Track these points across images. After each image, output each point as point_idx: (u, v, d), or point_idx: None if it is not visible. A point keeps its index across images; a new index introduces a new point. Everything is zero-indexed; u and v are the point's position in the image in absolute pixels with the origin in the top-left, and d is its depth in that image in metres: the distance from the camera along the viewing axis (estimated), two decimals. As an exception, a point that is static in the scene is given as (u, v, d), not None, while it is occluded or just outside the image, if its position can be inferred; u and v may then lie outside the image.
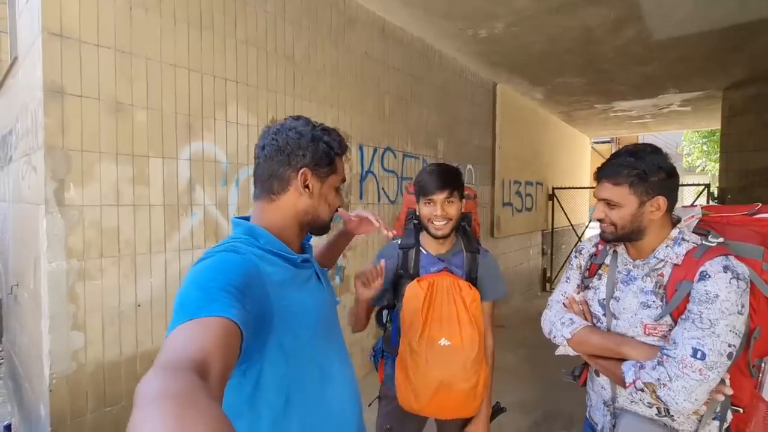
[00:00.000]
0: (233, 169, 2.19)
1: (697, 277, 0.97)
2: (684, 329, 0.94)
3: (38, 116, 1.61)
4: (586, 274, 1.23)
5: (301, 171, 0.84)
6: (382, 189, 3.23)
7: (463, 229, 1.41)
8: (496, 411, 1.43)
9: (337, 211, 0.94)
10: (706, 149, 12.41)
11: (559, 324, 1.16)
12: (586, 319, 1.16)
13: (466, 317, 1.24)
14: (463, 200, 1.34)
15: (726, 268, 0.94)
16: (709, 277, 0.95)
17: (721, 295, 0.92)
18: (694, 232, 1.08)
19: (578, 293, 1.22)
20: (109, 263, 1.73)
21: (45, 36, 1.55)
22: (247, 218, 0.88)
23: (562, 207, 6.93)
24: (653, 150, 1.05)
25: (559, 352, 1.18)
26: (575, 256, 1.28)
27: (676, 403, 0.91)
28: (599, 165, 1.13)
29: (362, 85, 3.03)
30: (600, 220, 1.10)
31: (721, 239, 1.03)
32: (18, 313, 2.35)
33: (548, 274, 6.83)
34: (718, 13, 3.15)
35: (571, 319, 1.15)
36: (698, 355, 0.90)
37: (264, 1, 2.32)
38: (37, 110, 1.61)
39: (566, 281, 1.26)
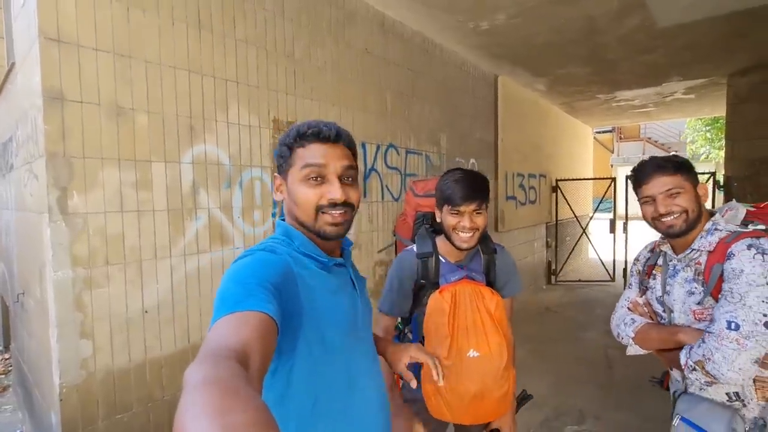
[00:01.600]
0: (236, 171, 2.17)
1: (725, 258, 1.05)
2: (720, 306, 1.03)
3: (38, 123, 1.59)
4: (645, 277, 1.31)
5: (275, 177, 0.86)
6: (386, 186, 3.20)
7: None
8: (523, 399, 1.42)
9: (331, 208, 0.79)
10: (709, 137, 12.31)
11: (623, 325, 1.25)
12: (652, 319, 1.24)
13: (491, 324, 1.21)
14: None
15: (750, 246, 1.02)
16: (734, 255, 1.03)
17: (746, 269, 1.00)
18: (740, 224, 1.14)
19: (640, 296, 1.30)
20: (115, 270, 1.72)
21: (42, 41, 1.52)
22: None
23: (566, 199, 6.89)
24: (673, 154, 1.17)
25: (629, 352, 1.25)
26: (634, 264, 1.38)
27: (721, 374, 0.97)
28: (634, 171, 1.19)
29: (363, 82, 2.99)
30: (666, 215, 1.12)
31: (761, 226, 1.10)
32: (25, 321, 2.34)
33: (553, 267, 6.81)
34: (724, -1, 3.09)
35: (632, 318, 1.24)
36: (732, 327, 0.97)
37: (262, -1, 2.29)
38: (37, 117, 1.59)
39: (629, 287, 1.36)
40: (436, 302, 1.23)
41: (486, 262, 1.32)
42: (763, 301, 0.97)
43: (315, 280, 0.79)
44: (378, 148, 3.12)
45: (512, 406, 1.35)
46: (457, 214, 1.21)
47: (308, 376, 0.76)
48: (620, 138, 20.34)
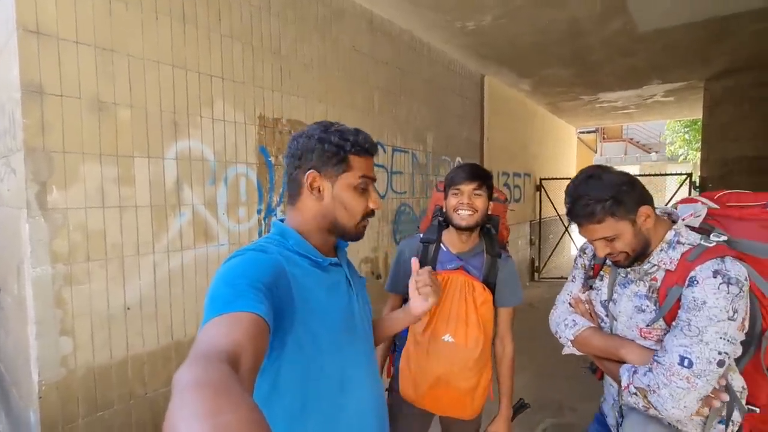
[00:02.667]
0: (221, 168, 2.16)
1: (686, 282, 0.94)
2: (673, 336, 0.93)
3: (16, 117, 1.55)
4: (590, 273, 1.22)
5: (308, 173, 0.83)
6: (372, 184, 3.22)
7: (488, 231, 1.40)
8: (520, 407, 1.42)
9: (370, 216, 0.88)
10: (688, 138, 12.67)
11: (563, 326, 1.16)
12: (591, 319, 1.16)
13: (475, 318, 1.24)
14: (491, 202, 1.34)
15: (716, 273, 0.90)
16: (697, 283, 0.91)
17: (709, 302, 0.89)
18: (698, 228, 1.03)
19: (583, 293, 1.21)
20: (96, 266, 1.69)
21: (20, 33, 1.49)
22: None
23: (549, 197, 7.02)
24: (599, 172, 1.00)
25: (565, 351, 1.19)
26: (580, 255, 1.27)
27: (665, 409, 0.90)
28: (566, 201, 1.04)
29: (350, 80, 2.99)
30: (608, 255, 1.03)
31: (724, 238, 0.97)
32: (2, 319, 2.29)
33: (536, 264, 6.94)
34: (701, 6, 3.19)
35: (574, 320, 1.15)
36: (685, 363, 0.88)
37: (249, -6, 2.27)
38: (15, 110, 1.56)
39: (572, 280, 1.26)
40: None
41: (488, 263, 1.33)
42: (720, 338, 0.88)
43: (309, 279, 0.79)
44: (364, 145, 3.13)
45: (508, 413, 1.37)
46: (457, 193, 1.28)
47: (298, 375, 0.76)
48: (603, 138, 20.75)
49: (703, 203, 1.09)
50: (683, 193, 6.41)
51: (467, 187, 1.26)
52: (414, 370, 1.27)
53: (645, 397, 0.93)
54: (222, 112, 2.15)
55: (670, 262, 0.98)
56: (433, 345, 1.25)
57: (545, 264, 7.14)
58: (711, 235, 0.98)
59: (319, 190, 0.84)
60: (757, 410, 1.00)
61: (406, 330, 1.34)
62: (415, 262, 1.02)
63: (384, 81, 3.32)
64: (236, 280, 0.66)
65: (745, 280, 0.91)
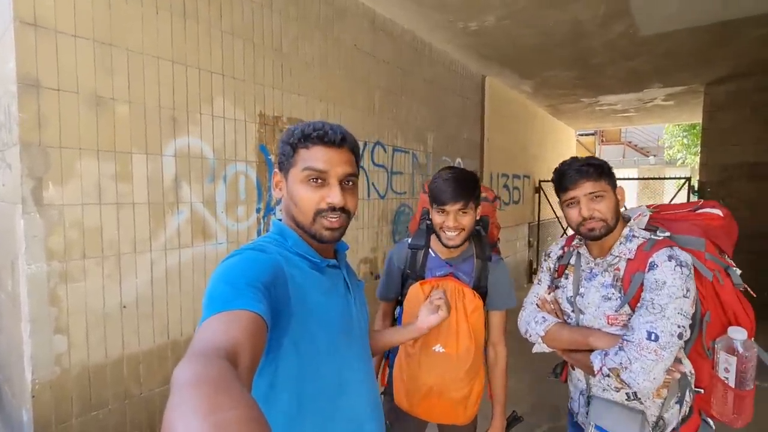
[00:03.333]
0: (221, 165, 2.14)
1: (647, 267, 1.07)
2: (639, 315, 1.04)
3: (12, 111, 1.52)
4: (555, 275, 1.30)
5: (273, 173, 0.85)
6: (372, 184, 3.20)
7: (478, 233, 1.34)
8: (513, 420, 1.40)
9: (331, 212, 0.79)
10: (686, 142, 12.69)
11: (533, 323, 1.24)
12: (558, 317, 1.24)
13: (465, 327, 1.22)
14: (479, 206, 1.28)
15: (670, 258, 1.04)
16: (657, 266, 1.05)
17: (668, 282, 1.02)
18: (645, 229, 1.18)
19: (549, 294, 1.29)
20: (92, 264, 1.67)
21: (17, 25, 1.46)
22: None
23: (548, 199, 7.02)
24: (589, 157, 1.18)
25: (535, 349, 1.25)
26: (545, 260, 1.36)
27: (637, 383, 0.99)
28: (557, 174, 1.21)
29: (351, 79, 2.97)
30: (588, 219, 1.12)
31: (667, 233, 1.14)
32: (-5, 314, 2.26)
33: (534, 266, 6.93)
34: (704, 10, 3.18)
35: (543, 317, 1.23)
36: (652, 337, 0.99)
37: (250, -9, 2.24)
38: (11, 104, 1.53)
39: (538, 283, 1.34)
40: (415, 292, 1.25)
41: (478, 267, 1.30)
42: (678, 313, 1.00)
43: (306, 280, 0.78)
44: (365, 145, 3.12)
45: (501, 424, 1.36)
46: (442, 213, 1.22)
47: (296, 375, 0.75)
48: (602, 141, 20.79)
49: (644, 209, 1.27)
50: (682, 196, 6.42)
51: (452, 208, 1.19)
52: (406, 381, 1.25)
53: (618, 375, 1.01)
54: (222, 110, 2.13)
55: (629, 252, 1.12)
56: (424, 356, 1.23)
57: (543, 266, 7.14)
58: (657, 232, 1.15)
59: (279, 189, 0.85)
60: (702, 391, 1.14)
61: None
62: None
63: (385, 80, 3.30)
64: (235, 278, 0.65)
65: (691, 264, 1.06)
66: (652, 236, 1.12)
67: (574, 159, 1.19)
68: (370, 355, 0.95)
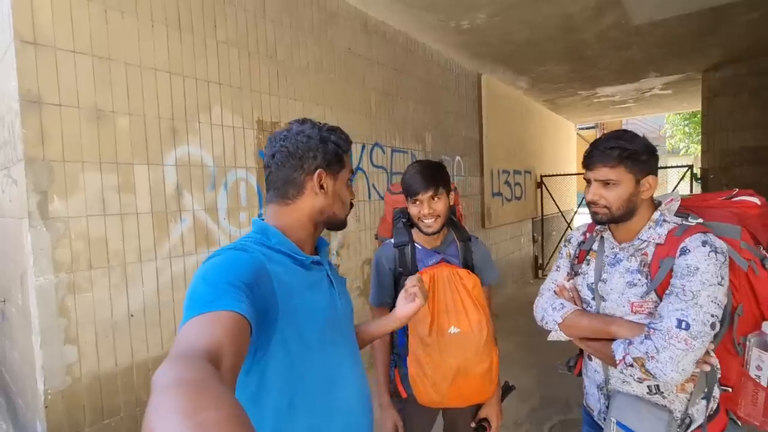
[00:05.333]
0: (221, 173, 2.17)
1: (678, 252, 1.00)
2: (669, 302, 0.97)
3: (16, 127, 1.56)
4: (576, 261, 1.25)
5: (317, 172, 0.86)
6: (372, 185, 3.22)
7: (451, 220, 1.42)
8: (506, 390, 1.46)
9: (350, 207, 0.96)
10: (688, 131, 12.62)
11: (551, 309, 1.18)
12: (576, 305, 1.18)
13: (471, 303, 1.26)
14: (451, 193, 1.34)
15: (705, 243, 0.98)
16: (689, 251, 0.98)
17: (701, 267, 0.95)
18: (675, 215, 1.12)
19: (568, 280, 1.24)
20: (99, 274, 1.70)
21: (18, 44, 1.50)
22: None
23: (550, 194, 7.00)
24: (635, 134, 1.09)
25: (551, 337, 1.19)
26: (564, 245, 1.32)
27: (664, 374, 0.92)
28: (586, 151, 1.13)
29: (347, 82, 3.01)
30: (592, 203, 1.10)
31: (699, 220, 1.07)
32: (6, 329, 2.30)
33: (539, 261, 6.92)
34: (695, -3, 3.20)
35: (561, 304, 1.17)
36: (683, 326, 0.92)
37: (243, 0, 2.28)
38: (15, 121, 1.57)
39: (557, 270, 1.29)
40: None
41: (462, 248, 1.38)
42: (712, 301, 0.94)
43: (291, 277, 0.79)
44: (363, 147, 3.14)
45: (498, 394, 1.39)
46: (416, 203, 1.30)
47: (285, 373, 0.76)
48: (603, 133, 20.72)
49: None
50: (684, 185, 6.39)
51: (425, 196, 1.27)
52: (431, 373, 1.26)
53: (642, 365, 0.95)
54: (220, 118, 2.17)
55: (659, 237, 1.06)
56: (442, 341, 1.25)
57: (548, 261, 7.12)
58: (689, 218, 1.08)
59: (324, 188, 0.87)
60: (730, 390, 1.06)
61: (403, 341, 1.34)
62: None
63: (381, 82, 3.33)
64: (216, 279, 0.65)
65: (726, 251, 0.99)
66: (684, 222, 1.06)
67: (611, 135, 1.08)
68: (358, 349, 0.97)
